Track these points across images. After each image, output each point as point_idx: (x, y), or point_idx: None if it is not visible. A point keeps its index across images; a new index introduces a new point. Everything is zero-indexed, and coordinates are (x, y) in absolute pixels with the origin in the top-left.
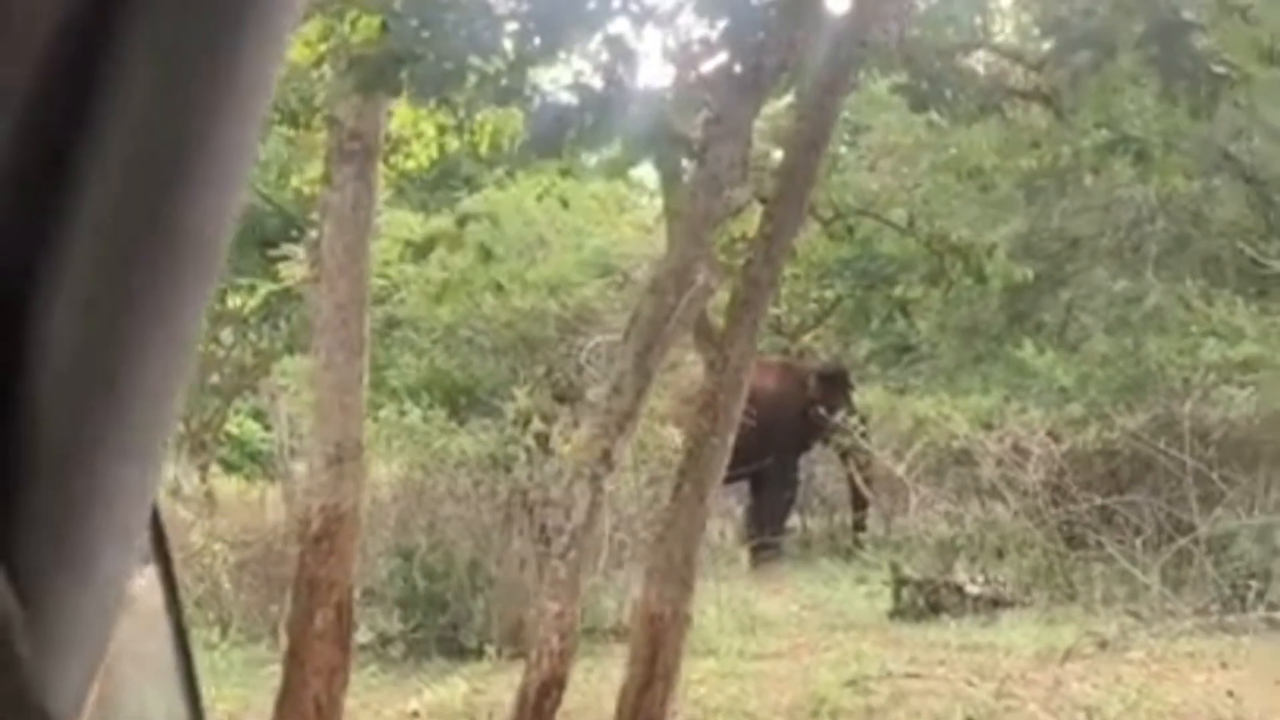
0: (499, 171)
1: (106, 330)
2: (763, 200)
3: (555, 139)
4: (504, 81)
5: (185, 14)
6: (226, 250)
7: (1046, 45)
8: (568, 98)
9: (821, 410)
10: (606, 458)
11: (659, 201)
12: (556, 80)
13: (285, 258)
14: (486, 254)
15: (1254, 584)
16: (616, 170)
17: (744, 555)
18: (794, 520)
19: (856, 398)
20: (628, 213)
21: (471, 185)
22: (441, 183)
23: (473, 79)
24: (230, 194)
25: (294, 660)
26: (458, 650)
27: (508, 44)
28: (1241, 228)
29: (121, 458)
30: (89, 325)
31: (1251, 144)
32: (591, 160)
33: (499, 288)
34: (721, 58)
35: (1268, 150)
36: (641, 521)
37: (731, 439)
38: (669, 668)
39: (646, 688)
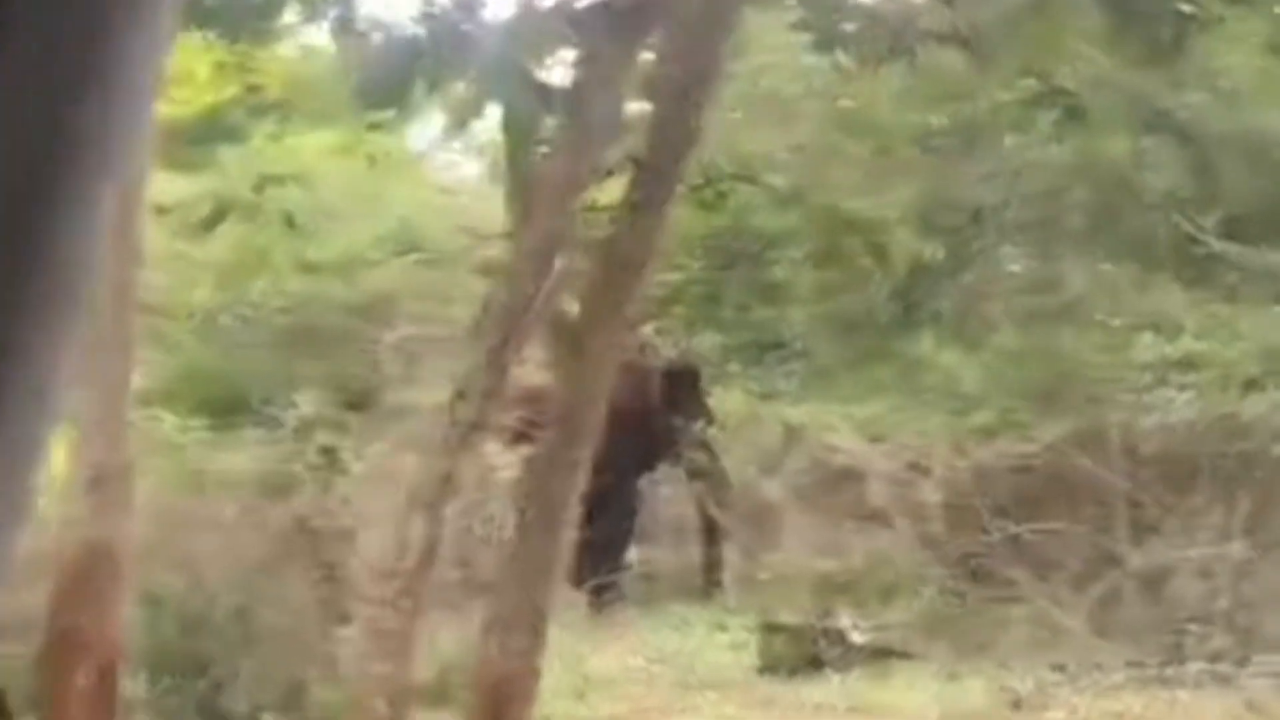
0: (271, 123)
1: None
2: (635, 162)
3: (397, 83)
4: (333, 12)
5: None
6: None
7: None
8: (414, 30)
9: (668, 419)
10: (448, 480)
11: (473, 163)
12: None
13: None
14: (289, 223)
15: (1194, 629)
16: (460, 121)
17: (577, 597)
18: (634, 554)
19: (713, 403)
20: (422, 174)
21: (235, 138)
22: (199, 135)
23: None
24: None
25: None
26: (223, 719)
27: None
28: (1178, 199)
29: None
30: None
31: (1190, 99)
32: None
33: (303, 269)
34: None
35: (1210, 106)
36: (478, 557)
37: (589, 455)
38: None
39: None
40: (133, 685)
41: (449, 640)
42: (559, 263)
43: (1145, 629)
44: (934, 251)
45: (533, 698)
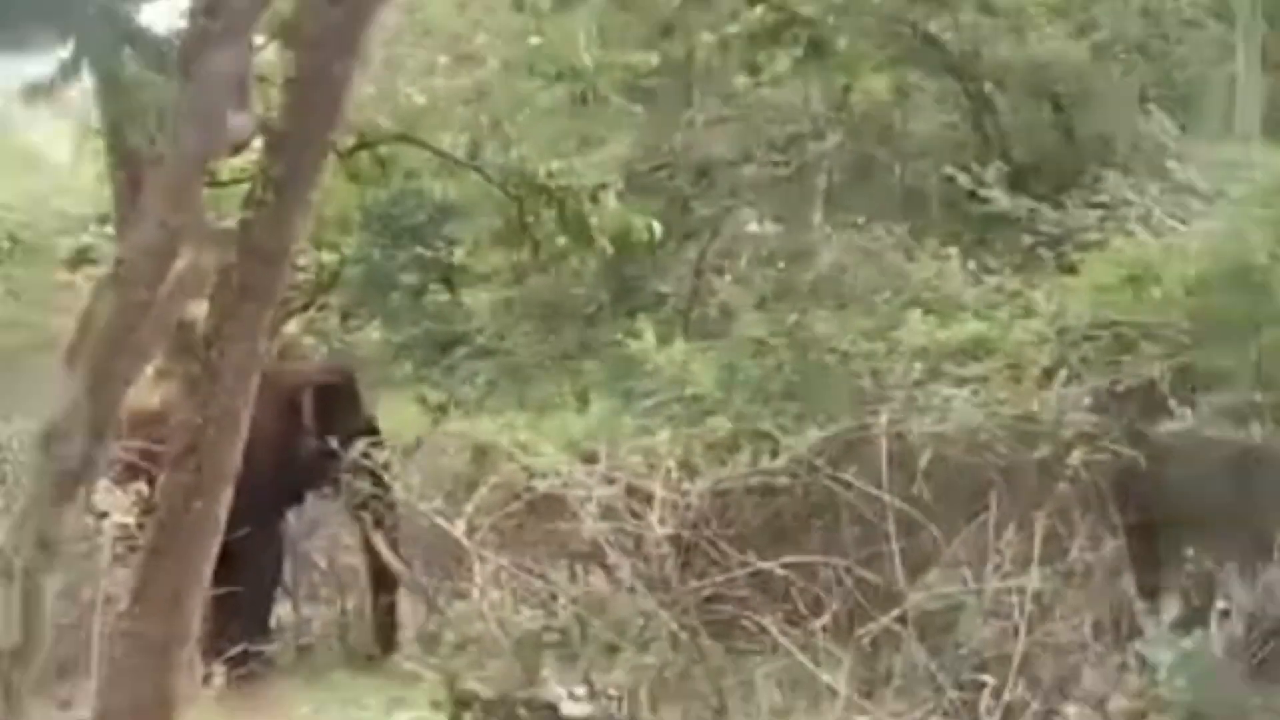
0: None
1: None
2: (270, 129)
3: None
4: None
5: None
6: None
7: None
8: None
9: (319, 439)
10: (46, 544)
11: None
12: None
13: None
14: None
15: (988, 681)
16: (47, 86)
17: (212, 671)
18: (284, 611)
19: (378, 416)
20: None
21: None
22: None
23: None
24: None
25: None
26: None
27: None
28: (951, 144)
29: None
30: None
31: (963, 22)
32: None
33: None
34: None
35: (986, 31)
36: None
37: (228, 496)
38: None
39: None
40: None
41: None
42: (180, 259)
43: (926, 684)
44: (650, 227)
45: None
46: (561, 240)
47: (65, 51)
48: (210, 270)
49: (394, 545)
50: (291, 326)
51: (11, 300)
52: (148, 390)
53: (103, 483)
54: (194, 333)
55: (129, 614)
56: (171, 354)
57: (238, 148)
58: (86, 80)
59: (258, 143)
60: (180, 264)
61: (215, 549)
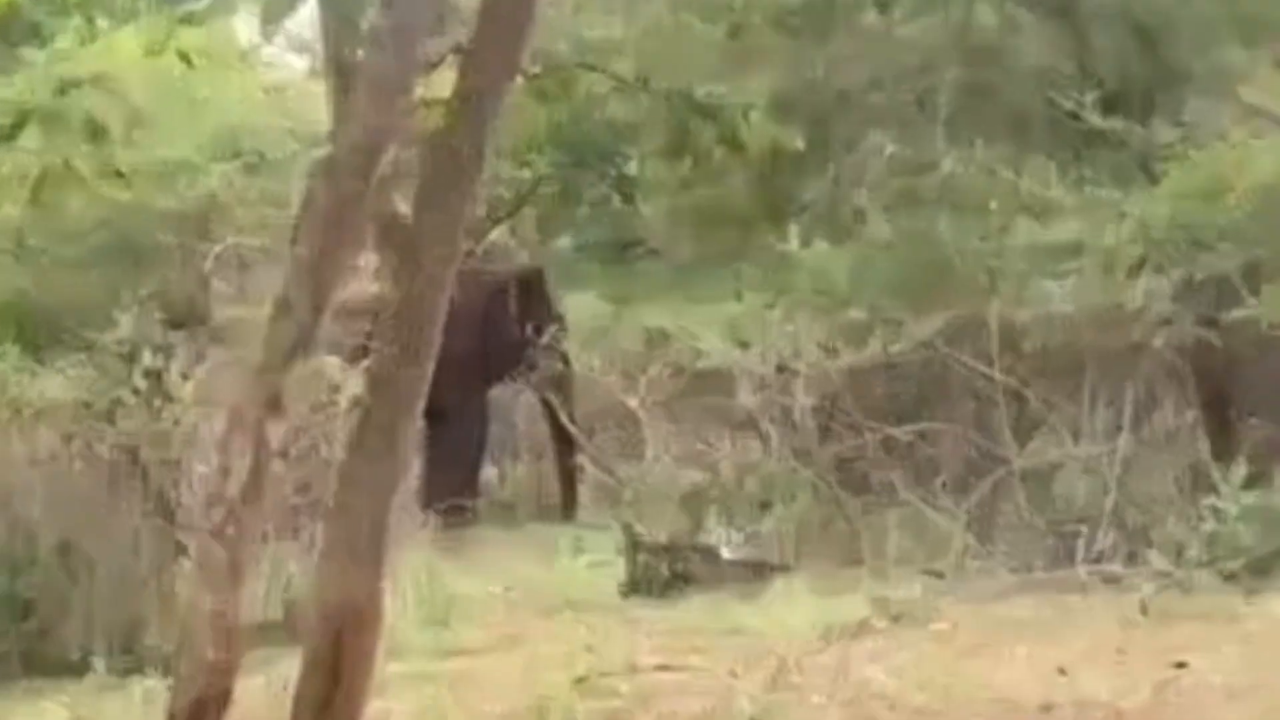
0: (78, 20)
1: None
2: (464, 51)
3: None
4: None
5: None
6: None
7: None
8: None
9: (517, 327)
10: (274, 400)
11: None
12: None
13: None
14: (95, 132)
15: (1082, 530)
16: (274, 15)
17: (425, 520)
18: (489, 473)
19: (564, 309)
20: (253, 72)
21: (42, 39)
22: None
23: None
24: None
25: None
26: (51, 665)
27: None
28: (1054, 74)
29: None
30: None
31: None
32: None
33: (114, 176)
34: None
35: None
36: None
37: (428, 370)
38: (358, 675)
39: (327, 705)
40: None
41: (298, 572)
42: (386, 159)
43: (1030, 532)
44: (793, 139)
45: (377, 627)
46: (719, 154)
47: None
48: (413, 169)
49: (577, 416)
50: (495, 234)
51: (269, 207)
52: (371, 283)
53: (335, 360)
54: (402, 226)
55: (349, 463)
56: (382, 245)
57: (434, 65)
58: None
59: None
60: (384, 162)
61: (420, 407)
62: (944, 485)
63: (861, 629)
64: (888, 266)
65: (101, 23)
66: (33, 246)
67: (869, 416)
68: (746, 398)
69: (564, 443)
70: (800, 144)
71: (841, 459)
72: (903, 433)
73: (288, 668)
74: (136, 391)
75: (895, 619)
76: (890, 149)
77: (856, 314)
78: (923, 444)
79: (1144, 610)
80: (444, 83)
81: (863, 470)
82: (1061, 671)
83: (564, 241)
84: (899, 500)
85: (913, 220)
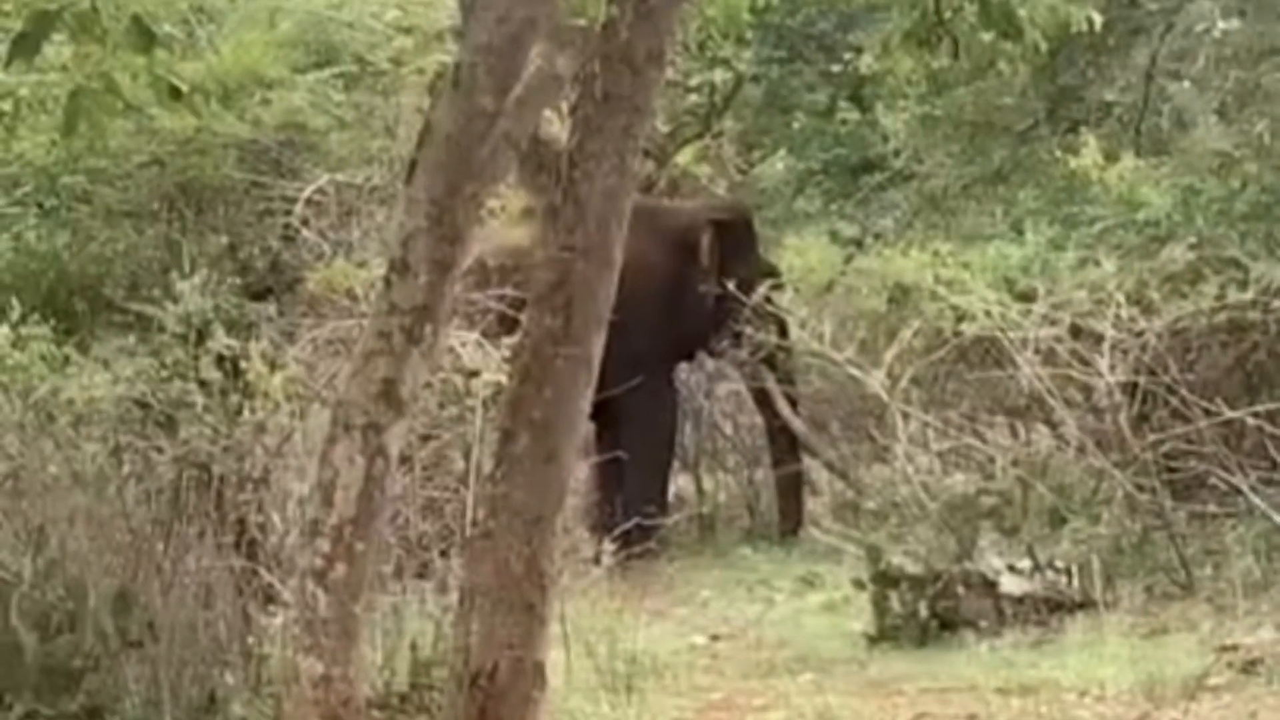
0: None
1: None
2: None
3: None
4: None
5: None
6: None
7: None
8: None
9: (716, 284)
10: (390, 392)
11: None
12: None
13: None
14: (143, 37)
15: None
16: None
17: (599, 551)
18: (681, 484)
19: (777, 259)
20: None
21: None
22: None
23: None
24: None
25: None
26: None
27: None
28: None
29: None
30: None
31: None
32: None
33: (169, 95)
34: None
35: None
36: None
37: (600, 347)
38: None
39: None
40: None
41: (428, 626)
42: (532, 63)
43: None
44: (1091, 12)
45: (537, 696)
46: (987, 38)
47: None
48: (567, 77)
49: (799, 403)
50: (683, 157)
51: (363, 130)
52: (513, 230)
53: (471, 336)
54: (554, 153)
55: (493, 478)
56: (528, 180)
57: None
58: None
59: None
60: (531, 69)
61: (588, 402)
62: None
63: (1199, 686)
64: (1223, 188)
65: None
66: (64, 193)
67: (1202, 395)
68: (1031, 373)
69: (783, 441)
70: (1098, 22)
71: (1165, 454)
72: (1250, 415)
73: None
74: (205, 386)
75: (1245, 671)
76: (1224, 24)
77: (1181, 254)
78: (1278, 432)
79: None
80: None
81: (1195, 469)
82: None
83: (776, 167)
84: (1245, 509)
85: (1256, 124)
